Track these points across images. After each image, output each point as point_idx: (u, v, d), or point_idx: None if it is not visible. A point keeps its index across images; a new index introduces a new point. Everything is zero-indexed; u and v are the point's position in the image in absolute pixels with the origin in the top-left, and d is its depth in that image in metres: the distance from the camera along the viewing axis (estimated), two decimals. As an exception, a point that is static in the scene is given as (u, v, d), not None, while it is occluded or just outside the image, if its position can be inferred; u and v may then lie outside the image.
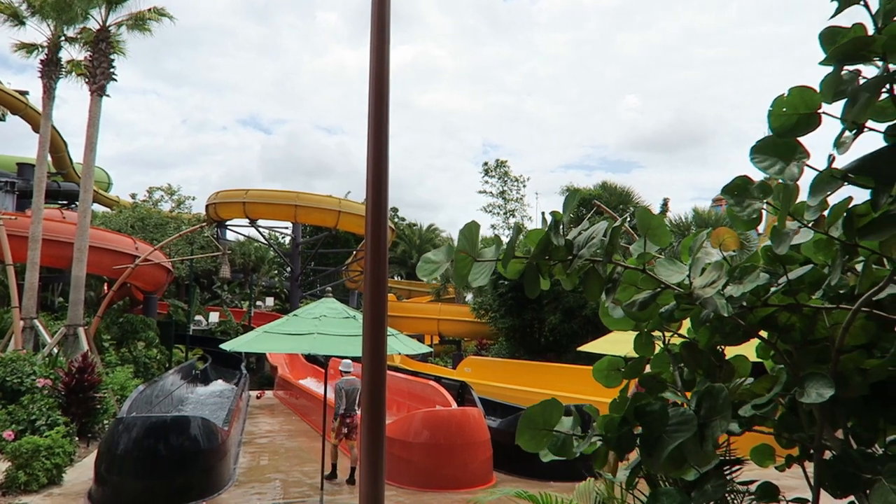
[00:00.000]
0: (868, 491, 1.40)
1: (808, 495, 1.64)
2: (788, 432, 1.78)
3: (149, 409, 12.67)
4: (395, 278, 50.02)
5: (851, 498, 1.50)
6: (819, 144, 1.56)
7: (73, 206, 31.90)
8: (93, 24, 18.77)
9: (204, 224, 33.22)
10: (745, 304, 1.69)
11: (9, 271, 17.96)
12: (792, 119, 1.48)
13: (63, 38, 19.06)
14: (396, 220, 53.76)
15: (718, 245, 1.76)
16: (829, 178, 1.47)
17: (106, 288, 27.34)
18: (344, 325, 7.75)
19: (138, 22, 18.72)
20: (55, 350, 16.32)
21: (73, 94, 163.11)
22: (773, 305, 1.72)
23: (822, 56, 1.43)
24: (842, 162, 1.46)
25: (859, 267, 1.65)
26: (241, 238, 39.82)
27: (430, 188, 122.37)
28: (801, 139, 1.52)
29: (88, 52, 18.65)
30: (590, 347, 11.26)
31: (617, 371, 2.06)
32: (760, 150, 1.55)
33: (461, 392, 14.34)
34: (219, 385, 22.08)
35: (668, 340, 1.99)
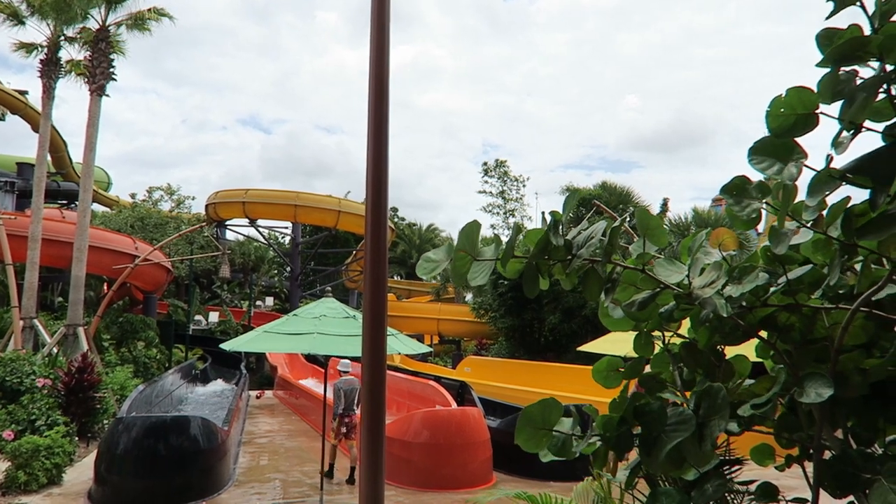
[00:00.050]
0: (867, 491, 1.41)
1: (808, 495, 1.64)
2: (788, 432, 1.78)
3: (148, 408, 12.67)
4: (395, 278, 50.01)
5: (851, 498, 1.50)
6: (817, 145, 1.57)
7: (73, 205, 31.89)
8: (92, 24, 18.77)
9: (204, 224, 33.20)
10: (744, 304, 1.70)
11: (8, 271, 17.96)
12: (790, 119, 1.48)
13: (63, 37, 19.05)
14: (396, 219, 53.76)
15: (717, 245, 1.76)
16: (827, 178, 1.47)
17: (106, 288, 27.33)
18: (344, 324, 7.76)
19: (138, 22, 18.72)
20: (55, 350, 16.32)
21: (72, 93, 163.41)
22: (772, 305, 1.72)
23: (821, 56, 1.43)
24: (840, 162, 1.47)
25: (858, 267, 1.65)
26: (241, 238, 39.82)
27: (430, 188, 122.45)
28: (799, 139, 1.52)
29: (88, 52, 18.64)
30: (589, 347, 11.27)
31: (616, 371, 2.06)
32: (758, 151, 1.55)
33: (461, 392, 14.34)
34: (218, 385, 22.09)
35: (668, 340, 1.99)
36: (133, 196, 48.11)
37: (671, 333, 1.98)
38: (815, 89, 1.44)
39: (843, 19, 1.41)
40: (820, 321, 1.72)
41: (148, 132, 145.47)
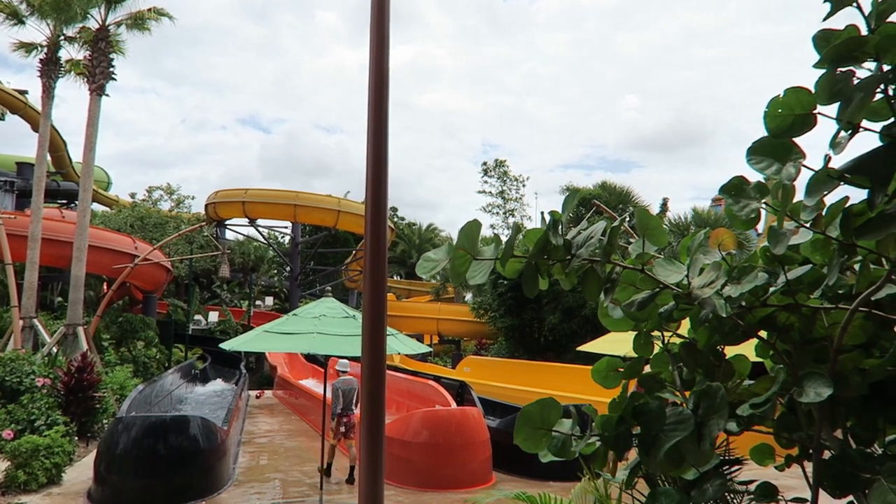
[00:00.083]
0: (867, 490, 1.41)
1: (808, 495, 1.64)
2: (788, 432, 1.78)
3: (148, 408, 12.67)
4: (395, 278, 50.03)
5: (850, 498, 1.51)
6: (815, 145, 1.57)
7: (73, 205, 31.89)
8: (92, 24, 18.76)
9: (203, 223, 33.18)
10: (743, 304, 1.70)
11: (8, 271, 17.96)
12: (788, 120, 1.48)
13: (62, 37, 19.04)
14: (396, 219, 53.75)
15: (717, 245, 1.76)
16: (825, 178, 1.47)
17: (105, 287, 27.32)
18: (343, 324, 7.76)
19: (137, 21, 18.71)
20: (54, 349, 16.32)
21: (72, 93, 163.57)
22: (771, 305, 1.72)
23: (819, 57, 1.43)
24: (838, 162, 1.47)
25: (857, 266, 1.65)
26: (241, 237, 39.81)
27: (430, 188, 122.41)
28: (798, 139, 1.52)
29: (88, 52, 18.63)
30: (589, 347, 11.28)
31: (616, 372, 2.06)
32: (757, 151, 1.55)
33: (460, 392, 14.35)
34: (218, 384, 22.10)
35: (667, 340, 1.99)
36: (133, 196, 48.15)
37: (670, 333, 1.98)
38: (813, 90, 1.45)
39: (841, 21, 1.41)
40: (819, 321, 1.72)
41: (147, 132, 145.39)
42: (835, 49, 1.37)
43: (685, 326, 1.95)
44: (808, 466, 1.68)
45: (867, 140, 1.46)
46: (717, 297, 1.61)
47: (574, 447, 1.75)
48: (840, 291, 1.67)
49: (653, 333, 2.00)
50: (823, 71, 1.43)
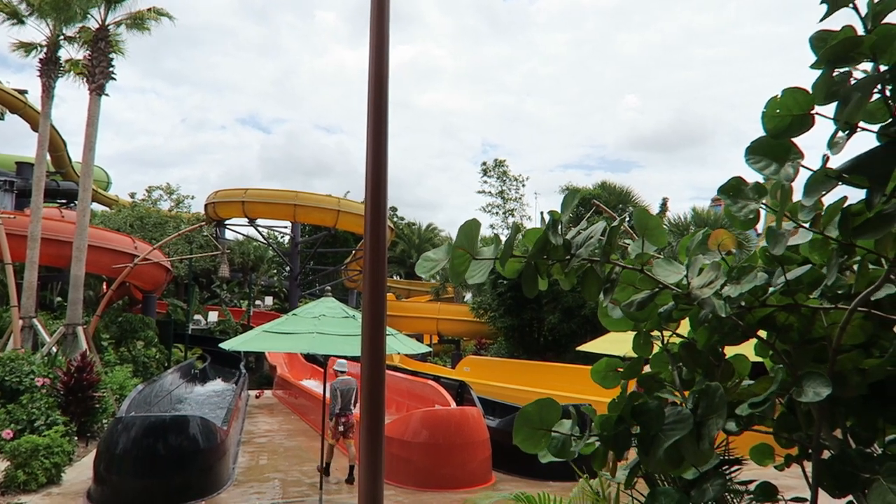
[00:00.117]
0: (866, 490, 1.41)
1: (807, 495, 1.64)
2: (787, 432, 1.78)
3: (148, 408, 12.67)
4: (395, 278, 50.02)
5: (850, 497, 1.51)
6: (814, 145, 1.57)
7: (72, 205, 31.89)
8: (92, 24, 18.75)
9: (203, 223, 33.17)
10: (743, 304, 1.70)
11: (8, 270, 17.95)
12: (786, 120, 1.49)
13: (62, 37, 19.02)
14: (395, 219, 53.74)
15: (716, 245, 1.76)
16: (823, 178, 1.47)
17: (105, 287, 27.31)
18: (343, 324, 7.76)
19: (137, 21, 18.70)
20: (54, 349, 16.31)
21: (72, 93, 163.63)
22: (771, 305, 1.72)
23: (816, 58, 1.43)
24: (836, 162, 1.47)
25: (856, 266, 1.65)
26: (240, 237, 39.80)
27: (430, 188, 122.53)
28: (796, 140, 1.52)
29: (87, 52, 18.62)
30: (589, 347, 11.29)
31: (615, 371, 2.07)
32: (755, 151, 1.56)
33: (460, 391, 14.35)
34: (218, 384, 22.09)
35: (667, 340, 1.99)
36: (132, 195, 48.14)
37: (670, 333, 1.98)
38: (811, 90, 1.45)
39: (838, 22, 1.41)
40: (818, 321, 1.72)
41: (147, 131, 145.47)
42: (831, 50, 1.38)
43: (685, 326, 1.95)
44: (808, 466, 1.68)
45: (865, 140, 1.47)
46: (716, 297, 1.61)
47: (573, 447, 1.75)
48: (839, 291, 1.67)
49: (652, 333, 2.00)
50: (821, 71, 1.44)
